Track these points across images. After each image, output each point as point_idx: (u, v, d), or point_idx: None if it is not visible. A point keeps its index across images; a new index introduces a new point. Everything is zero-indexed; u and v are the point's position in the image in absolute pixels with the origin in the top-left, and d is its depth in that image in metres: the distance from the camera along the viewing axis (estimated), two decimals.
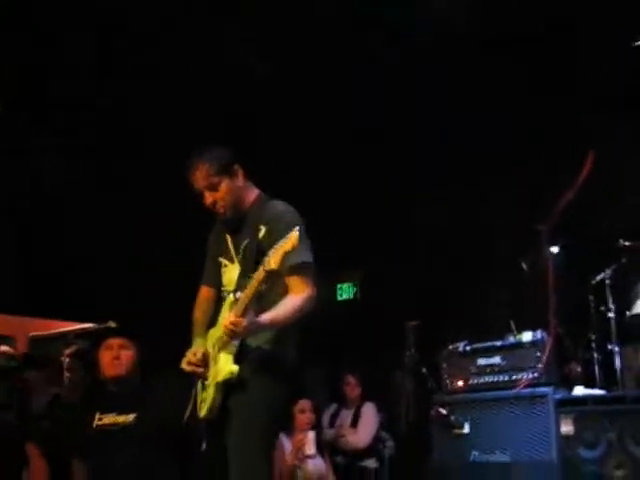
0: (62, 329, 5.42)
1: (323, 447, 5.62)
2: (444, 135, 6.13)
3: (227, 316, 3.29)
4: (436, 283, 6.60)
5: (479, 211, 6.54)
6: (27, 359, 5.55)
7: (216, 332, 3.48)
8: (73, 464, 4.32)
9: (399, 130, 6.29)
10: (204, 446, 3.54)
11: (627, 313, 5.11)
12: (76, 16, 5.18)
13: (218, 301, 3.62)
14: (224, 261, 3.58)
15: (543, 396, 4.84)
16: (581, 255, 5.44)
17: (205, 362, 3.46)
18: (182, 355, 3.57)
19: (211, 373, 3.44)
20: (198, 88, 5.77)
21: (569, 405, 4.82)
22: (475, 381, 5.23)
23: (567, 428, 4.73)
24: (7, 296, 5.79)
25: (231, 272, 3.53)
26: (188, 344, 3.63)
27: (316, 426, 5.57)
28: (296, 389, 3.70)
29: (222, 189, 3.46)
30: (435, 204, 6.60)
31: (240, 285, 3.39)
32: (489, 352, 5.23)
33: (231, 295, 3.42)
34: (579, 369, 5.22)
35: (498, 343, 5.24)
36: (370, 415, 6.12)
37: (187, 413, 3.56)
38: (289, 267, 3.25)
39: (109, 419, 4.21)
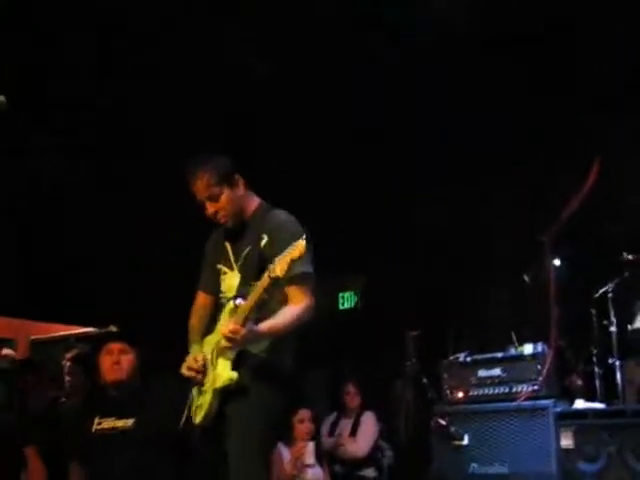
0: (63, 333, 5.45)
1: (322, 456, 5.62)
2: (444, 135, 6.13)
3: (226, 323, 3.31)
4: (436, 283, 6.60)
5: (479, 211, 6.54)
6: (27, 363, 5.56)
7: (214, 338, 3.48)
8: (71, 467, 4.33)
9: (399, 130, 6.28)
10: (199, 452, 3.55)
11: (629, 327, 5.11)
12: (76, 16, 5.17)
13: (215, 307, 3.63)
14: (223, 268, 3.58)
15: (543, 409, 4.86)
16: (584, 267, 5.43)
17: (205, 368, 3.46)
18: (182, 356, 3.58)
19: (209, 379, 3.44)
20: (198, 88, 5.76)
21: (569, 418, 4.82)
22: (475, 392, 5.23)
23: (567, 441, 4.73)
24: (8, 298, 5.80)
25: (230, 279, 3.54)
26: (188, 345, 3.63)
27: (315, 436, 5.57)
28: (294, 397, 3.70)
29: (223, 199, 3.47)
30: (435, 204, 6.60)
31: (241, 292, 3.40)
32: (490, 364, 5.24)
33: (231, 302, 3.41)
34: (580, 382, 5.20)
35: (499, 355, 5.26)
36: (370, 424, 6.09)
37: (183, 419, 3.57)
38: (290, 277, 3.25)
39: (108, 423, 4.21)
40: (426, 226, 6.70)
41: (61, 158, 6.15)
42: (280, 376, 3.42)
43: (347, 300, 7.71)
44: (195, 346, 3.58)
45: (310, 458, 5.37)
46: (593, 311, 5.24)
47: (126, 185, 6.40)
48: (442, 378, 5.43)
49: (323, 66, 5.74)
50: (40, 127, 5.84)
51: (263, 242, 3.42)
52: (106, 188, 6.35)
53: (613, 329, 5.10)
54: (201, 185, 3.45)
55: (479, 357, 5.34)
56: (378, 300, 7.12)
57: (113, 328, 4.70)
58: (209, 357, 3.47)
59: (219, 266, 3.60)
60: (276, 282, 3.17)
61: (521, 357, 5.14)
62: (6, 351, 5.06)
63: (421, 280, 6.71)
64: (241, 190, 3.54)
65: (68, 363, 5.35)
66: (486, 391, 5.19)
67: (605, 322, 5.17)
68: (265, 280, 3.16)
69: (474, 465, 5.03)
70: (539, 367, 4.99)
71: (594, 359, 5.15)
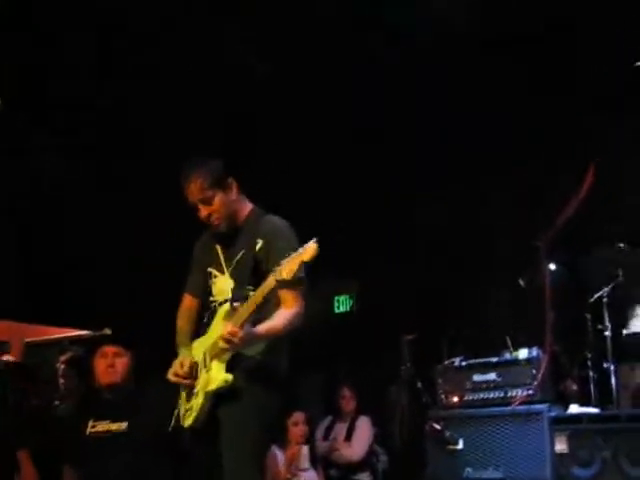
0: (57, 335, 5.43)
1: (317, 460, 5.62)
2: (444, 135, 6.13)
3: (222, 326, 3.30)
4: (436, 283, 6.60)
5: (479, 211, 6.54)
6: (20, 366, 5.55)
7: (207, 340, 3.47)
8: (64, 471, 4.33)
9: (399, 130, 6.29)
10: (193, 455, 3.55)
11: (624, 331, 5.12)
12: (76, 16, 5.17)
13: (203, 310, 3.62)
14: (214, 272, 3.58)
15: (538, 413, 4.88)
16: (579, 272, 5.44)
17: (192, 373, 3.46)
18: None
19: (200, 381, 3.43)
20: (198, 88, 5.76)
21: (564, 423, 4.84)
22: (470, 397, 5.25)
23: (561, 446, 4.74)
24: (5, 300, 5.79)
25: (221, 283, 3.53)
26: (176, 348, 3.63)
27: (309, 439, 5.56)
28: (288, 399, 3.70)
29: (216, 202, 3.47)
30: (435, 204, 6.60)
31: (237, 295, 3.40)
32: (485, 368, 5.26)
33: (226, 304, 3.41)
34: (575, 387, 5.22)
35: (494, 359, 5.28)
36: (365, 429, 6.10)
37: (172, 423, 3.57)
38: (286, 280, 3.24)
39: (102, 426, 4.22)
40: (426, 226, 6.70)
41: (61, 158, 6.15)
42: (275, 378, 3.42)
43: (342, 303, 7.69)
44: (183, 349, 3.57)
45: (304, 462, 5.37)
46: (588, 316, 5.25)
47: (126, 185, 6.40)
48: (437, 382, 5.44)
49: (323, 66, 5.74)
50: (40, 127, 5.84)
51: (258, 246, 3.43)
52: (106, 188, 6.34)
53: (608, 334, 5.11)
54: (194, 188, 3.45)
55: (474, 362, 5.35)
56: (375, 303, 7.11)
57: (107, 331, 4.69)
58: (199, 360, 3.46)
59: (209, 270, 3.59)
60: (282, 284, 3.16)
61: (516, 362, 5.15)
62: (7, 357, 5.05)
63: (421, 280, 6.71)
64: (234, 194, 3.54)
65: (62, 366, 5.34)
66: (481, 395, 5.20)
67: (600, 327, 5.18)
68: (270, 282, 3.15)
69: (469, 469, 5.04)
70: (534, 372, 5.01)
71: (589, 364, 5.17)
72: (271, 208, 3.66)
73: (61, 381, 5.34)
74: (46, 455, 4.49)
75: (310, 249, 3.07)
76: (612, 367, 5.02)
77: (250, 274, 3.38)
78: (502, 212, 6.40)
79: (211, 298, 3.57)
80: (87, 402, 4.62)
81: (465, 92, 5.87)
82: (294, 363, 3.51)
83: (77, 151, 6.13)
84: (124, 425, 4.17)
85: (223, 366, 3.35)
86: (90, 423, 4.23)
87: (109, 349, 4.32)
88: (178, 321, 3.70)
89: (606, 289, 5.18)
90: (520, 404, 4.98)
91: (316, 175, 6.51)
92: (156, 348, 4.33)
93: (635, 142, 5.70)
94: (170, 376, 3.50)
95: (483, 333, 6.06)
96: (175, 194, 3.60)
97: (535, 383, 4.97)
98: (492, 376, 5.19)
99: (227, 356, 3.35)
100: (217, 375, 3.35)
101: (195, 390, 3.44)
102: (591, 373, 5.13)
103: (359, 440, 6.04)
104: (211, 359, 3.39)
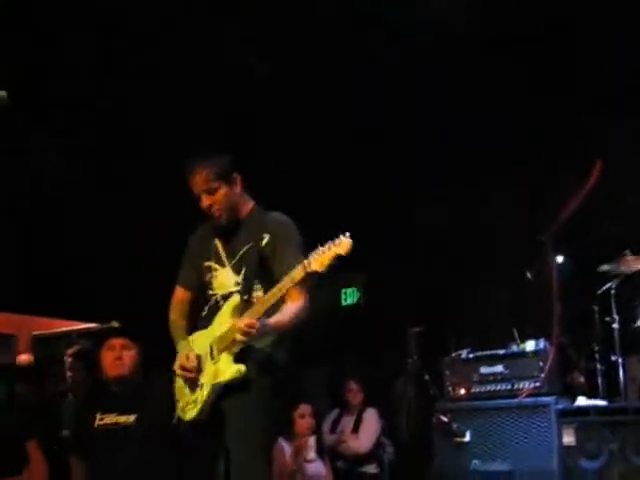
0: (65, 328, 5.43)
1: (324, 451, 5.62)
2: (444, 135, 6.13)
3: (232, 318, 3.33)
4: (436, 283, 6.60)
5: (479, 211, 6.54)
6: (29, 365, 5.54)
7: (211, 333, 3.47)
8: (72, 463, 4.33)
9: (399, 130, 6.29)
10: (197, 448, 3.55)
11: (632, 324, 5.10)
12: (76, 16, 5.18)
13: (202, 303, 3.61)
14: (213, 265, 3.58)
15: (545, 406, 4.86)
16: (586, 265, 5.42)
17: (199, 366, 3.46)
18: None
19: (206, 374, 3.43)
20: (198, 88, 5.76)
21: (571, 415, 4.84)
22: (477, 389, 5.24)
23: (569, 438, 4.74)
24: (9, 295, 5.79)
25: (223, 276, 3.54)
26: (174, 342, 3.62)
27: (316, 431, 5.57)
28: (295, 391, 3.73)
29: (219, 193, 3.49)
30: (435, 204, 6.60)
31: (247, 288, 3.42)
32: (492, 360, 5.25)
33: (235, 297, 3.42)
34: (582, 379, 5.21)
35: (501, 352, 5.26)
36: (372, 421, 6.11)
37: (175, 417, 3.57)
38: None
39: (110, 419, 4.21)
40: (426, 226, 6.70)
41: (61, 158, 6.15)
42: (282, 371, 3.44)
43: (350, 296, 7.69)
44: (182, 342, 3.56)
45: (311, 453, 5.37)
46: (595, 308, 5.24)
47: (126, 185, 6.40)
48: (444, 375, 5.44)
49: (323, 66, 5.74)
50: (40, 127, 5.84)
51: (264, 241, 3.45)
52: (106, 188, 6.34)
53: (615, 326, 5.10)
54: (200, 179, 3.47)
55: (481, 354, 5.34)
56: (379, 298, 7.12)
57: (115, 324, 4.69)
58: (203, 352, 3.46)
59: (207, 263, 3.60)
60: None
61: (523, 354, 5.14)
62: (24, 357, 5.06)
63: (421, 280, 6.71)
64: (238, 189, 3.56)
65: (70, 359, 5.34)
66: (488, 388, 5.20)
67: (607, 319, 5.17)
68: (299, 273, 3.16)
69: (476, 462, 5.03)
70: (541, 364, 5.00)
71: (596, 356, 5.16)
72: (271, 208, 3.66)
73: (69, 374, 5.33)
74: (54, 448, 4.49)
75: (345, 243, 3.12)
76: (620, 359, 5.01)
77: (256, 267, 3.41)
78: (502, 212, 6.40)
79: (211, 292, 3.57)
80: (95, 395, 4.60)
81: (465, 92, 5.87)
82: (301, 356, 3.53)
83: (77, 151, 6.13)
84: (132, 418, 4.17)
85: (231, 358, 3.35)
86: (98, 416, 4.23)
87: (117, 341, 4.32)
88: (171, 314, 3.70)
89: (614, 281, 5.17)
90: (527, 396, 4.98)
91: (316, 175, 6.50)
92: (157, 345, 4.34)
93: (635, 142, 5.70)
94: (177, 369, 3.49)
95: (483, 333, 6.06)
96: (175, 194, 3.60)
97: (542, 375, 4.96)
98: (499, 368, 5.18)
99: (237, 348, 3.35)
100: (227, 367, 3.35)
101: (200, 382, 3.44)
102: (598, 365, 5.12)
103: (366, 432, 6.06)
104: (220, 351, 3.39)
